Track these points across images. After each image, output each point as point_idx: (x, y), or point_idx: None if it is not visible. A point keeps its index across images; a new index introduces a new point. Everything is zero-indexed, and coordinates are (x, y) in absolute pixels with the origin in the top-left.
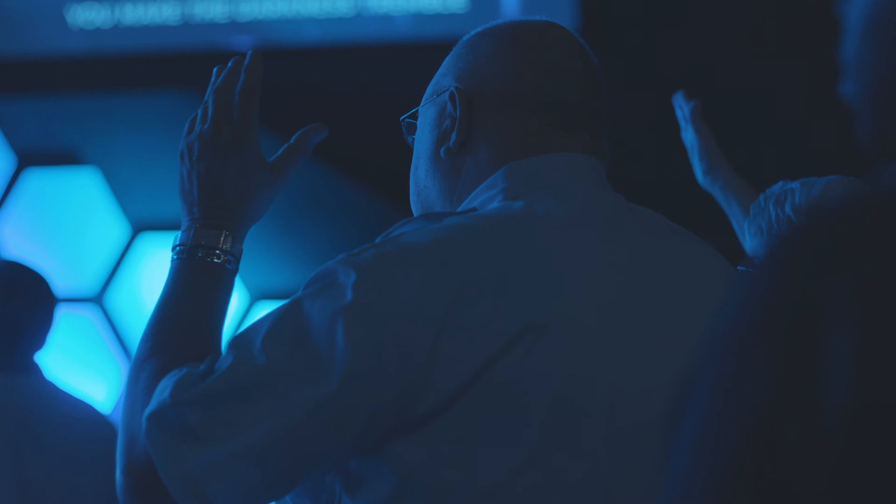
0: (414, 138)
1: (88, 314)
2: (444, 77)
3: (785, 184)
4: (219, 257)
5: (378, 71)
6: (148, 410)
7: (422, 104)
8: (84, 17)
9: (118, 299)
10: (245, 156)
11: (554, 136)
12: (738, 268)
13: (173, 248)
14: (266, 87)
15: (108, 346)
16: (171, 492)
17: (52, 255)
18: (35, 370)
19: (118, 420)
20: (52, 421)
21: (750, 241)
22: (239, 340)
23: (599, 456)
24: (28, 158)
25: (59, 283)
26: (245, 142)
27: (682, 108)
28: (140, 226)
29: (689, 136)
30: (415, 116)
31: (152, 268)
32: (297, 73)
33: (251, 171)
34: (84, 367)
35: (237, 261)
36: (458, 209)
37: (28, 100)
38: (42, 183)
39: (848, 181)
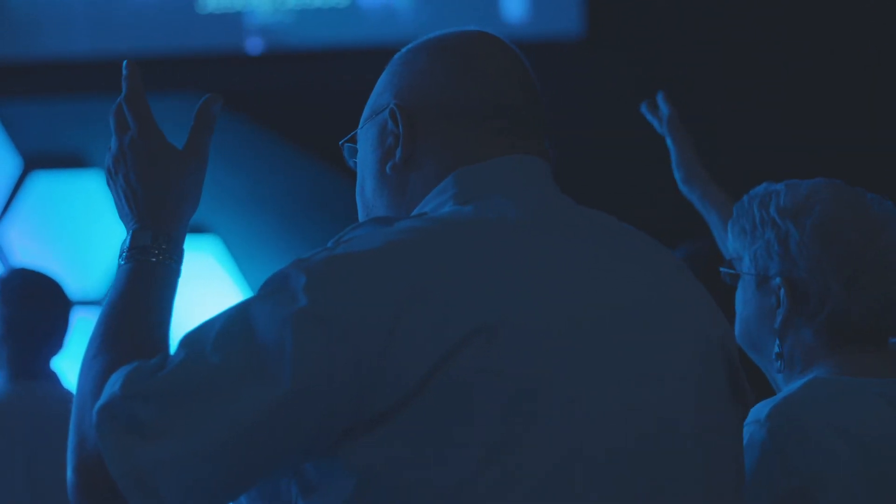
0: (356, 161)
1: (94, 317)
2: (380, 96)
3: (769, 185)
4: (153, 255)
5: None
6: (98, 403)
7: (360, 125)
8: (91, 19)
9: None
10: (148, 151)
11: (498, 141)
12: (721, 269)
13: (119, 257)
14: (271, 90)
15: None
16: (121, 487)
17: (59, 257)
18: (52, 377)
19: None
20: (66, 428)
21: (733, 242)
22: (191, 338)
23: (559, 453)
24: (34, 161)
25: (65, 285)
26: (145, 140)
27: (656, 117)
28: None
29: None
30: (354, 140)
31: None
32: (300, 76)
33: (160, 163)
34: None
35: (175, 254)
36: (412, 215)
37: (34, 103)
38: (48, 186)
39: (833, 184)
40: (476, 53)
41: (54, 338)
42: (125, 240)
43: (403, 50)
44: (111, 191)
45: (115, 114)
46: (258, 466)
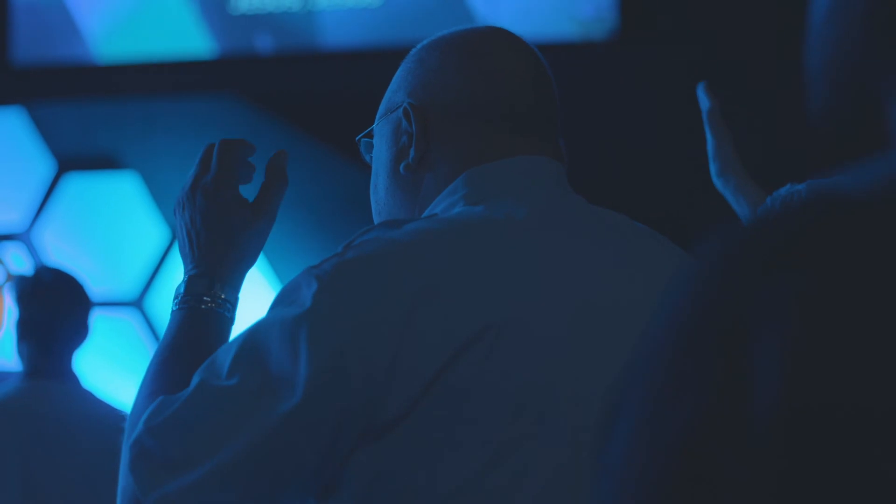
0: (371, 157)
1: (128, 318)
2: (395, 93)
3: (792, 186)
4: (207, 304)
5: None
6: (129, 442)
7: (376, 122)
8: (124, 21)
9: (158, 303)
10: (221, 200)
11: (511, 141)
12: None
13: (173, 301)
14: (304, 91)
15: (148, 349)
16: None
17: (92, 259)
18: (69, 376)
19: None
20: (69, 427)
21: None
22: (210, 362)
23: (564, 455)
24: (68, 163)
25: (99, 286)
26: (220, 187)
27: (702, 102)
28: None
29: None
30: (370, 135)
31: None
32: (334, 77)
33: (230, 214)
34: (124, 370)
35: (231, 304)
36: (422, 217)
37: (67, 105)
38: (82, 187)
39: None
40: (489, 52)
41: (72, 337)
42: (180, 284)
43: (419, 46)
44: (176, 224)
45: (204, 151)
46: (280, 480)
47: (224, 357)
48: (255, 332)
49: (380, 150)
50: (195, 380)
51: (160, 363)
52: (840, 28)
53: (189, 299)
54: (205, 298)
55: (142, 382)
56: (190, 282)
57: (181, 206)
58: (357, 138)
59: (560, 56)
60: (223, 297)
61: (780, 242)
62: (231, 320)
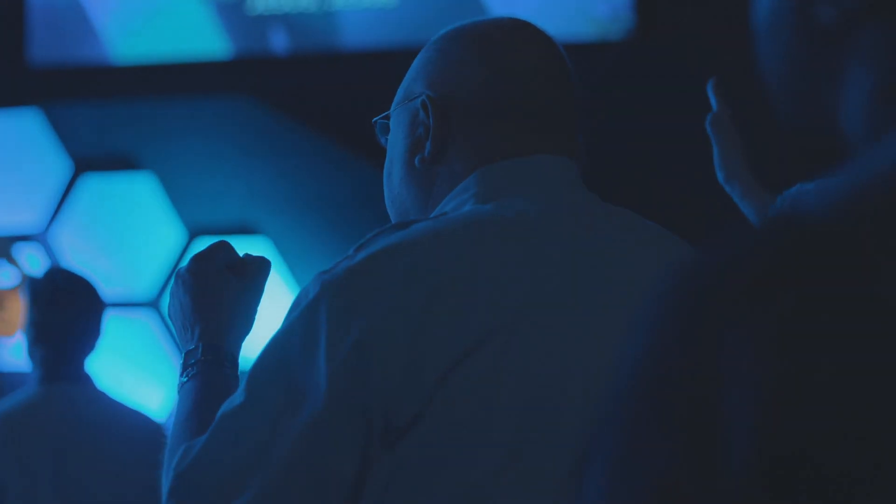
0: (387, 139)
1: (145, 318)
2: (414, 82)
3: (802, 186)
4: (204, 364)
5: None
6: (165, 494)
7: (393, 108)
8: (140, 22)
9: None
10: (204, 273)
11: (527, 138)
12: None
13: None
14: (319, 91)
15: (165, 350)
16: None
17: (109, 259)
18: (84, 379)
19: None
20: (97, 430)
21: None
22: (230, 398)
23: (576, 456)
24: (85, 164)
25: (116, 287)
26: (200, 262)
27: (712, 102)
28: (196, 230)
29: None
30: (387, 117)
31: None
32: (350, 77)
33: (212, 283)
34: (141, 371)
35: (227, 361)
36: (431, 216)
37: (84, 106)
38: (99, 188)
39: None
40: (510, 47)
41: (86, 340)
42: (181, 363)
43: (439, 34)
44: (170, 315)
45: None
46: (323, 495)
47: (243, 382)
48: (272, 345)
49: (396, 138)
50: (217, 416)
51: (173, 434)
52: (776, 40)
53: (187, 371)
54: (200, 363)
55: (165, 453)
56: (185, 356)
57: (171, 293)
58: (374, 120)
59: (576, 56)
60: (216, 356)
61: (746, 282)
62: (232, 377)
